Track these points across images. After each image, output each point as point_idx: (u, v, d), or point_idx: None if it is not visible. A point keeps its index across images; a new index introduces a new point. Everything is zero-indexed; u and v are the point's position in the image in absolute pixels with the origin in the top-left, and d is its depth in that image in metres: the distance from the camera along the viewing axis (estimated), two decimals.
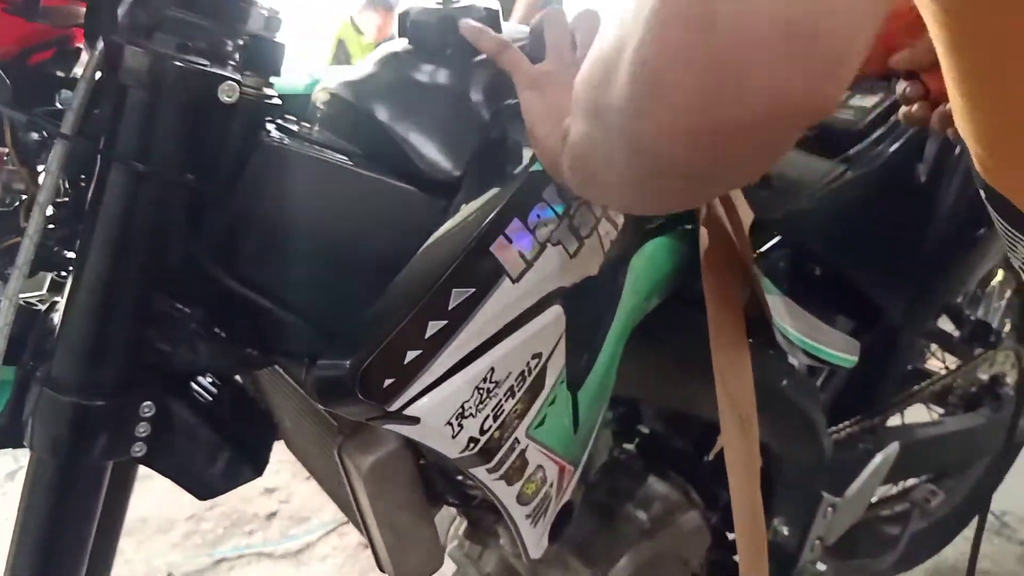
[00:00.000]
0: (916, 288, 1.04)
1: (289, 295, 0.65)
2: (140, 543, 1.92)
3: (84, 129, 0.58)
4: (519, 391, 0.60)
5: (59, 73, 0.69)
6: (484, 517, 0.85)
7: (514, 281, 0.59)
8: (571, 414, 0.66)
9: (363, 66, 0.74)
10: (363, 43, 4.57)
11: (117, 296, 0.58)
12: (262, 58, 0.64)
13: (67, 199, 0.64)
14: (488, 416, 0.58)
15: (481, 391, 0.57)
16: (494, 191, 0.62)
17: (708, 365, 0.85)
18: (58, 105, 0.67)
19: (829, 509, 1.10)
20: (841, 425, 1.18)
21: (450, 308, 0.55)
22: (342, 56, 4.55)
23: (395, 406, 0.53)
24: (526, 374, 0.60)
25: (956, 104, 0.50)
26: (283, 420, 0.85)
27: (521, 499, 0.64)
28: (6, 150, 0.62)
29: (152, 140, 0.56)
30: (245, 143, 0.64)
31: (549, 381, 0.62)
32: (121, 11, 0.57)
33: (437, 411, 0.55)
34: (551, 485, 0.66)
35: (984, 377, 1.38)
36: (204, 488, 0.67)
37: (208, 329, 0.65)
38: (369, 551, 1.86)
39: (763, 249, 0.94)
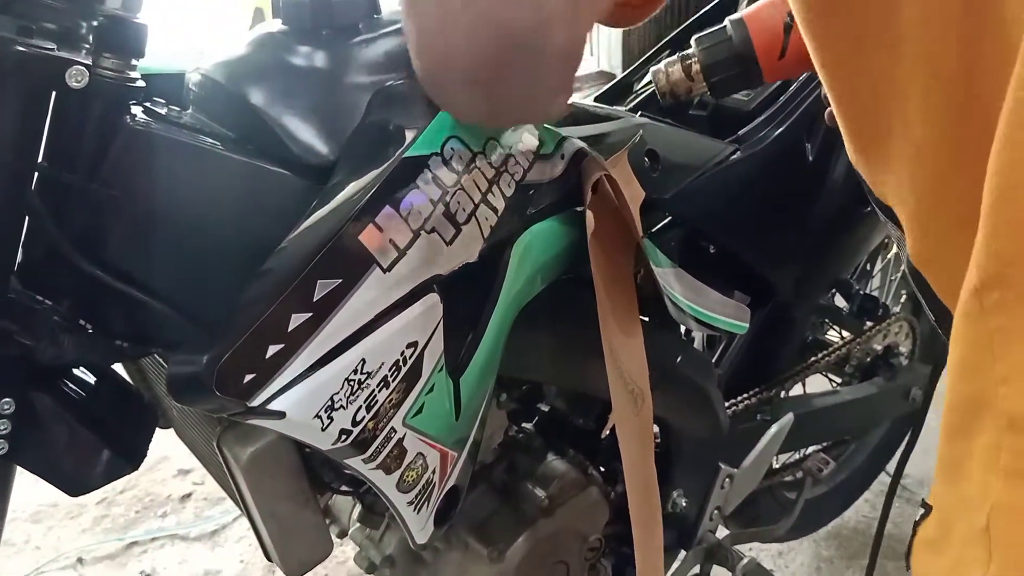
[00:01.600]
0: (804, 265, 1.07)
1: (159, 284, 0.63)
2: (50, 529, 1.88)
3: None
4: (393, 381, 0.59)
5: None
6: (377, 501, 0.85)
7: (385, 271, 0.58)
8: (452, 400, 0.66)
9: (236, 47, 0.72)
10: None
11: None
12: (121, 39, 0.61)
13: None
14: (360, 407, 0.58)
15: (352, 383, 0.56)
16: (366, 177, 0.61)
17: (596, 342, 0.86)
18: None
19: (727, 480, 1.13)
20: (739, 398, 1.21)
21: (315, 300, 0.54)
22: (259, 19, 4.43)
23: (257, 401, 0.52)
24: (401, 364, 0.60)
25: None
26: (170, 410, 0.84)
27: (401, 487, 0.64)
28: None
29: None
30: (105, 128, 0.62)
31: (426, 369, 0.62)
32: None
33: (304, 405, 0.54)
34: (433, 471, 0.66)
35: (879, 347, 1.42)
36: (75, 485, 0.65)
37: (73, 321, 0.63)
38: None
39: (655, 229, 0.95)
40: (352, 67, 0.70)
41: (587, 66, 5.84)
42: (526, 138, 0.74)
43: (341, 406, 0.56)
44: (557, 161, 0.75)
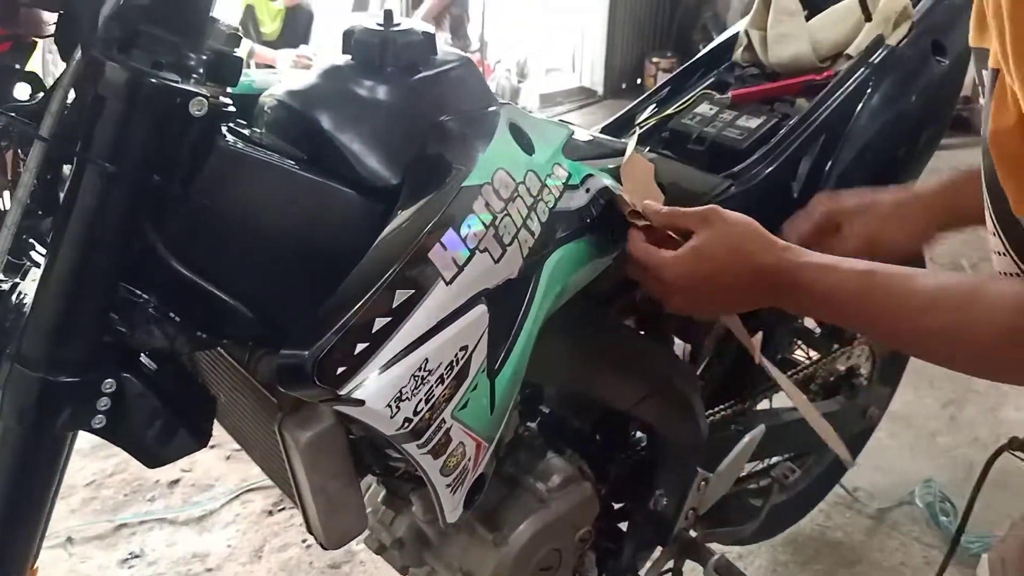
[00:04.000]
0: None
1: (238, 285, 0.72)
2: None
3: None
4: (448, 378, 0.69)
5: (16, 65, 0.73)
6: (402, 486, 0.95)
7: (447, 283, 0.68)
8: (489, 397, 0.76)
9: (307, 77, 0.81)
10: (271, 9, 4.54)
11: (85, 284, 0.64)
12: (222, 71, 0.70)
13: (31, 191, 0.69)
14: (420, 400, 0.67)
15: (416, 378, 0.66)
16: (431, 202, 0.70)
17: (605, 353, 0.97)
18: (16, 97, 0.72)
19: (703, 483, 1.24)
20: (717, 408, 1.32)
21: (394, 306, 0.64)
22: (249, 21, 4.50)
23: (345, 390, 0.61)
24: (454, 364, 0.69)
25: None
26: (218, 395, 0.92)
27: (444, 471, 0.73)
28: None
29: (125, 145, 0.62)
30: (203, 146, 0.71)
31: (472, 370, 0.72)
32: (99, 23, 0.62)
33: (380, 395, 0.63)
34: (469, 459, 0.76)
35: (842, 368, 1.55)
36: (154, 458, 0.73)
37: (163, 313, 0.71)
38: (270, 519, 1.92)
39: None
40: (412, 101, 0.80)
41: (568, 81, 5.98)
42: (557, 171, 0.84)
43: (407, 398, 0.66)
44: (582, 193, 0.86)
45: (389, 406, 0.65)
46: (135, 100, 0.61)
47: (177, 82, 0.63)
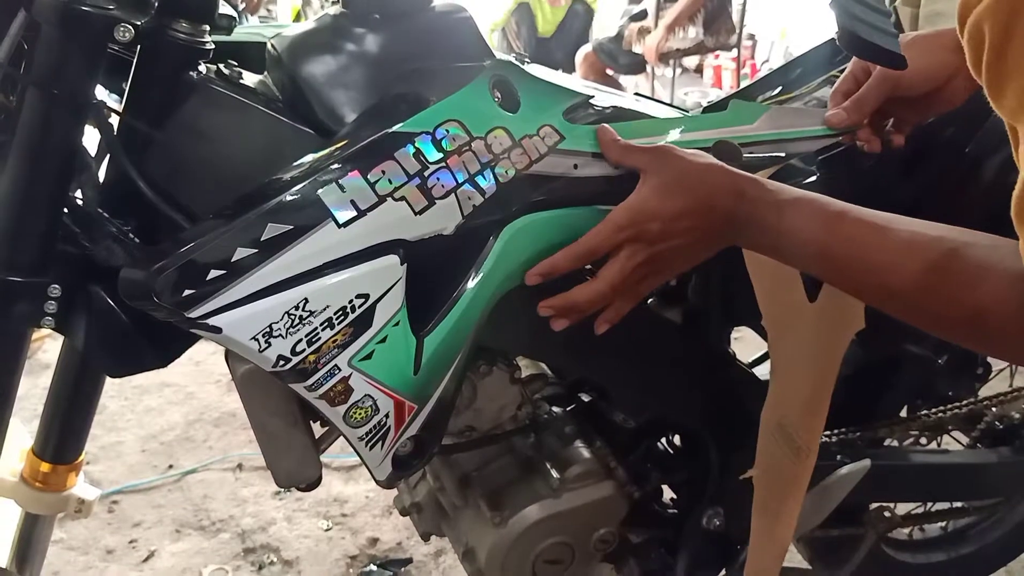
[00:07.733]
0: None
1: (196, 212, 0.76)
2: (224, 434, 2.17)
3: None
4: (339, 324, 0.67)
5: None
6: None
7: (340, 226, 0.66)
8: (413, 356, 0.72)
9: (303, 25, 0.83)
10: (545, 9, 4.68)
11: (29, 196, 0.71)
12: (189, 7, 0.73)
13: None
14: (301, 340, 0.66)
15: (292, 316, 0.65)
16: (349, 141, 0.69)
17: (637, 349, 0.89)
18: None
19: None
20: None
21: (262, 239, 0.63)
22: (524, 13, 4.68)
23: (194, 314, 0.61)
24: (348, 310, 0.67)
25: None
26: None
27: (349, 422, 0.71)
28: None
29: (57, 68, 0.67)
30: (173, 81, 0.75)
31: (378, 321, 0.69)
32: None
33: (240, 326, 0.63)
34: (386, 415, 0.73)
35: (1016, 416, 1.29)
36: (110, 368, 0.79)
37: (126, 235, 0.76)
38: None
39: None
40: (387, 49, 0.78)
41: None
42: (544, 131, 0.78)
43: (280, 335, 0.65)
44: (569, 161, 0.78)
45: (256, 339, 0.64)
46: (62, 25, 0.66)
47: (109, 10, 0.66)
